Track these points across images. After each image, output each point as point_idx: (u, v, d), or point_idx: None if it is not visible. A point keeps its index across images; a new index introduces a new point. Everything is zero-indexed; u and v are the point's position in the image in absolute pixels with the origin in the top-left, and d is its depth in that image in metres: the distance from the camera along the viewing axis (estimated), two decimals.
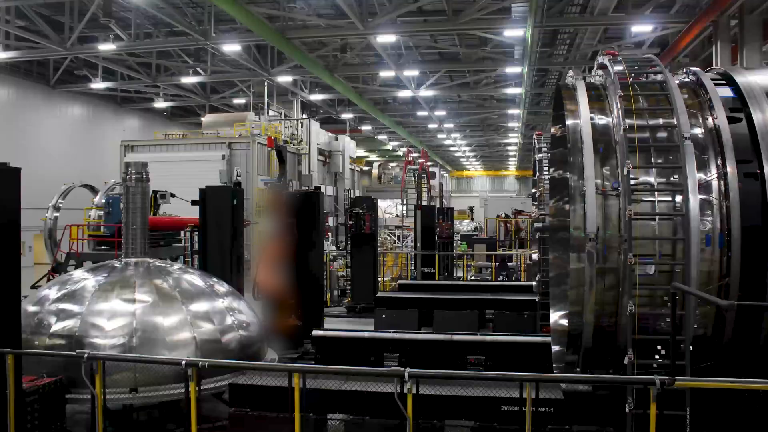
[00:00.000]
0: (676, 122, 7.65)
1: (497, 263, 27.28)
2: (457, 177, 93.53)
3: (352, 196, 36.99)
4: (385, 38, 27.88)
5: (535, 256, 14.71)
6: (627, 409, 6.91)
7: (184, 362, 7.87)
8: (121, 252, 10.94)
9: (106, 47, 29.20)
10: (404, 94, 40.07)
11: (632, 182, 7.43)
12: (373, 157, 77.75)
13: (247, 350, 9.87)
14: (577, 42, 27.83)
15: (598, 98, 8.47)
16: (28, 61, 36.91)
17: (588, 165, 7.63)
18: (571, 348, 8.12)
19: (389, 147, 68.43)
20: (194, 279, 10.69)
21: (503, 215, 39.76)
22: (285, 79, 36.86)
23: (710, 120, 7.94)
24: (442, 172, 55.49)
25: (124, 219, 10.90)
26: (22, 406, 7.89)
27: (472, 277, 28.76)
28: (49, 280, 19.26)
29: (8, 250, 7.94)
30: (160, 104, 47.57)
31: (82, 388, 8.27)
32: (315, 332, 10.12)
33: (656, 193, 7.67)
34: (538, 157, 15.33)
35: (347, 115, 49.46)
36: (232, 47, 29.86)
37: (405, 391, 7.16)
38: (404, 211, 37.28)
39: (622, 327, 7.43)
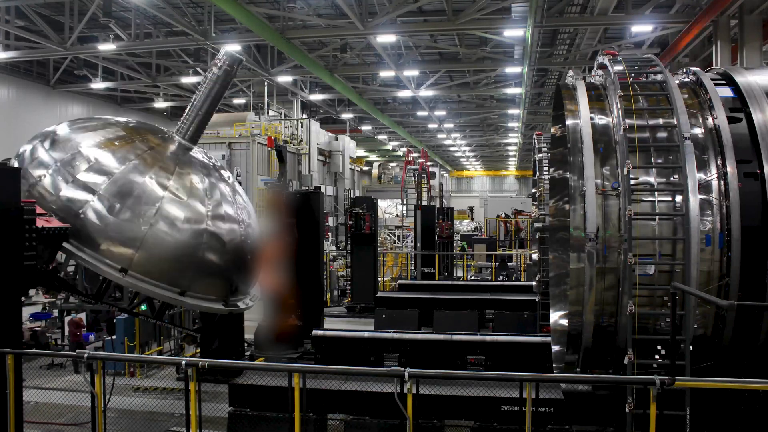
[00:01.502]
0: (676, 122, 7.65)
1: (497, 263, 27.29)
2: (457, 177, 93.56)
3: (352, 196, 36.98)
4: (385, 38, 27.86)
5: (535, 256, 14.71)
6: (627, 409, 6.92)
7: (184, 362, 7.88)
8: None
9: (106, 47, 29.19)
10: (404, 94, 40.06)
11: (632, 182, 7.43)
12: (373, 157, 77.74)
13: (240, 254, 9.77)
14: (577, 42, 27.83)
15: (598, 98, 8.47)
16: (28, 61, 36.91)
17: (588, 165, 7.63)
18: (571, 348, 8.12)
19: (389, 147, 68.42)
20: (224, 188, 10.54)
21: (503, 215, 39.76)
22: (285, 79, 36.85)
23: (710, 120, 7.94)
24: (442, 172, 55.50)
25: (194, 99, 10.78)
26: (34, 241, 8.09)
27: (472, 277, 28.76)
28: None
29: (8, 248, 7.92)
30: (160, 104, 47.54)
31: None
32: (315, 332, 10.12)
33: (656, 193, 7.67)
34: (538, 157, 15.34)
35: (347, 115, 49.45)
36: (232, 47, 29.83)
37: (405, 391, 7.16)
38: (404, 211, 37.29)
39: (622, 327, 7.44)
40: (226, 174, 10.99)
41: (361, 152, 68.19)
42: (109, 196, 8.80)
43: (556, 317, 9.84)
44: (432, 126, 53.80)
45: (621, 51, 9.24)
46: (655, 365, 7.27)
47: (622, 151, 7.56)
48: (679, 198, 7.51)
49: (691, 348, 7.26)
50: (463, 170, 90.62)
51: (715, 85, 8.33)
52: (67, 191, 8.83)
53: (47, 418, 11.24)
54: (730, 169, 7.51)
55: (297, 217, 11.52)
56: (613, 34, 27.18)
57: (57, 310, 17.13)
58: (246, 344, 13.74)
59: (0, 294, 7.85)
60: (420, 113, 48.00)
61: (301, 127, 42.49)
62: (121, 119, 11.36)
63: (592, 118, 8.07)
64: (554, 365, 9.01)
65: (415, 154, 38.62)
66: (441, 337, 10.84)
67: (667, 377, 6.49)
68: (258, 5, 26.28)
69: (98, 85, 38.05)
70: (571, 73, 9.21)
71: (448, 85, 39.28)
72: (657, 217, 7.57)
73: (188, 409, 7.87)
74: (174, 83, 39.15)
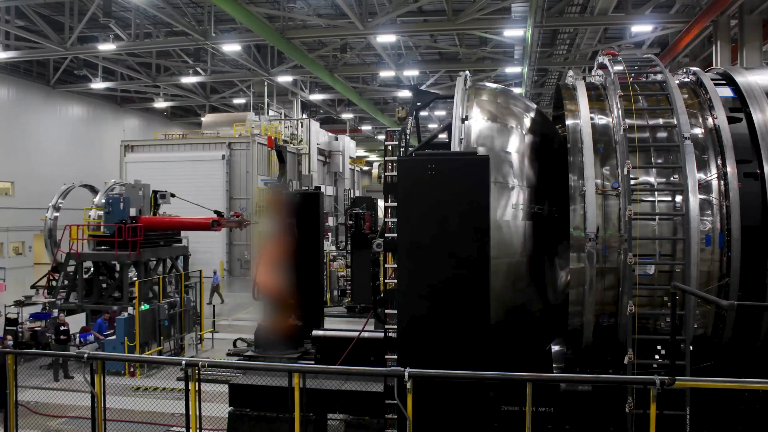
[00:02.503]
0: (676, 122, 7.65)
1: None
2: None
3: (352, 196, 36.97)
4: (385, 38, 27.89)
5: None
6: (627, 409, 6.91)
7: (184, 362, 7.88)
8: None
9: (106, 47, 29.21)
10: (404, 94, 40.08)
11: (632, 182, 7.43)
12: (373, 157, 77.70)
13: None
14: (577, 42, 27.85)
15: (598, 98, 8.47)
16: (28, 61, 36.93)
17: (588, 165, 7.63)
18: (571, 347, 8.12)
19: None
20: None
21: None
22: (285, 79, 36.86)
23: (710, 120, 7.93)
24: None
25: None
26: None
27: None
28: (49, 280, 19.29)
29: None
30: (160, 104, 47.58)
31: None
32: (315, 332, 10.10)
33: (656, 193, 7.66)
34: None
35: (347, 115, 49.47)
36: (232, 47, 29.87)
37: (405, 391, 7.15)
38: None
39: (622, 327, 7.43)
40: None
41: (361, 152, 68.19)
42: None
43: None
44: (432, 126, 53.74)
45: (621, 51, 9.25)
46: (655, 365, 7.27)
47: (622, 151, 7.56)
48: (679, 198, 7.51)
49: (691, 348, 7.26)
50: None
51: (715, 85, 8.33)
52: None
53: (45, 417, 11.25)
54: (730, 169, 7.50)
55: (297, 217, 11.49)
56: (613, 34, 27.21)
57: (57, 310, 17.13)
58: (246, 344, 13.74)
59: None
60: (419, 113, 47.89)
61: (301, 127, 42.50)
62: None
63: (592, 118, 8.07)
64: (554, 365, 9.01)
65: None
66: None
67: (667, 377, 6.48)
68: (258, 5, 26.29)
69: (98, 85, 38.07)
70: (571, 73, 9.21)
71: (448, 85, 39.26)
72: (657, 217, 7.56)
73: (188, 409, 7.86)
74: (174, 83, 39.18)
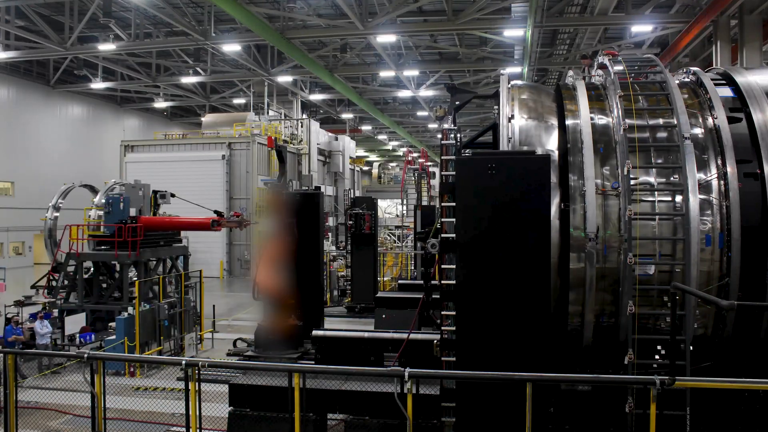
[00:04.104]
0: (676, 122, 7.65)
1: None
2: None
3: (352, 196, 36.97)
4: (385, 38, 27.88)
5: None
6: (627, 409, 6.91)
7: (184, 362, 7.88)
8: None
9: (106, 47, 29.21)
10: (404, 94, 40.09)
11: (632, 182, 7.43)
12: (373, 157, 77.77)
13: None
14: (577, 42, 27.85)
15: (598, 98, 8.47)
16: (28, 61, 36.94)
17: (588, 165, 7.63)
18: (571, 347, 8.11)
19: (389, 147, 68.45)
20: None
21: None
22: (285, 79, 36.86)
23: (710, 120, 7.93)
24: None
25: None
26: None
27: None
28: (49, 280, 19.28)
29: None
30: (160, 104, 47.58)
31: None
32: (315, 332, 10.10)
33: (656, 193, 7.67)
34: None
35: (347, 115, 49.46)
36: (232, 47, 29.88)
37: (405, 391, 7.16)
38: (404, 211, 37.27)
39: (622, 327, 7.43)
40: None
41: (361, 152, 68.24)
42: None
43: None
44: (432, 126, 53.79)
45: (621, 51, 9.25)
46: (655, 365, 7.27)
47: (622, 151, 7.57)
48: (679, 198, 7.51)
49: (691, 348, 7.26)
50: None
51: (715, 85, 8.33)
52: None
53: (45, 417, 11.25)
54: (730, 169, 7.50)
55: (297, 217, 11.49)
56: (613, 34, 27.21)
57: (57, 310, 17.14)
58: (246, 344, 13.74)
59: None
60: (420, 113, 47.99)
61: (301, 127, 42.50)
62: None
63: (592, 118, 8.07)
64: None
65: (415, 154, 38.66)
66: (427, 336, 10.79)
67: (667, 377, 6.48)
68: (258, 5, 26.29)
69: (98, 85, 38.07)
70: (571, 73, 9.22)
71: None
72: (657, 217, 7.56)
73: (188, 409, 7.87)
74: (174, 83, 39.18)
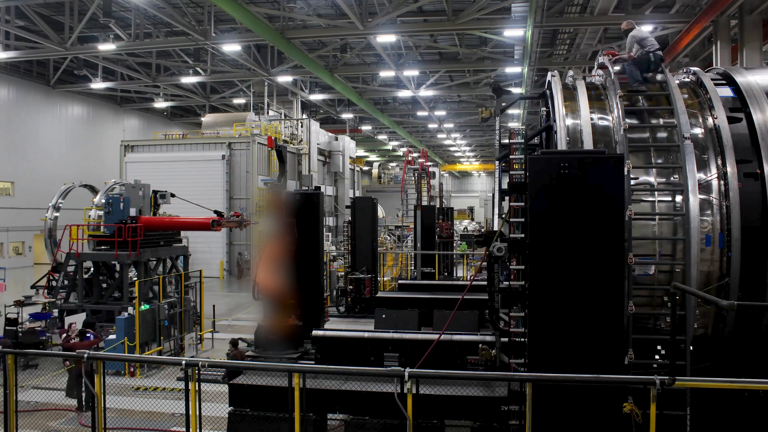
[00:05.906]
0: (676, 122, 7.65)
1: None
2: (457, 177, 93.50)
3: (352, 196, 36.98)
4: (385, 38, 27.88)
5: None
6: (627, 409, 6.90)
7: (184, 362, 7.87)
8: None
9: (106, 47, 29.21)
10: (404, 94, 40.06)
11: (632, 182, 7.43)
12: (373, 157, 77.75)
13: None
14: (577, 42, 27.84)
15: (598, 98, 8.47)
16: (28, 61, 36.94)
17: None
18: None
19: (389, 147, 68.42)
20: None
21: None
22: (285, 79, 36.85)
23: (710, 120, 7.94)
24: (442, 173, 55.56)
25: None
26: None
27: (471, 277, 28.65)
28: (49, 280, 19.28)
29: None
30: (160, 104, 47.57)
31: None
32: (315, 332, 10.09)
33: (656, 193, 7.67)
34: None
35: (347, 115, 49.45)
36: (232, 47, 29.87)
37: (405, 391, 7.16)
38: (404, 211, 37.30)
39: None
40: None
41: (361, 152, 68.22)
42: None
43: None
44: (432, 126, 53.81)
45: (621, 51, 9.24)
46: (655, 365, 7.27)
47: (622, 151, 7.57)
48: (679, 198, 7.52)
49: (691, 348, 7.26)
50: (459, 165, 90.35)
51: (715, 85, 8.33)
52: None
53: (46, 417, 11.26)
54: (730, 169, 7.51)
55: (297, 217, 11.49)
56: (613, 34, 27.19)
57: (57, 310, 17.14)
58: (246, 344, 13.75)
59: None
60: (420, 113, 47.99)
61: (301, 127, 42.51)
62: None
63: (592, 118, 8.08)
64: None
65: (415, 154, 38.68)
66: (441, 337, 10.81)
67: (667, 377, 6.48)
68: (258, 5, 26.29)
69: (98, 85, 38.07)
70: (571, 73, 9.21)
71: (448, 85, 39.28)
72: (657, 217, 7.57)
73: (188, 409, 7.87)
74: (174, 83, 39.17)
